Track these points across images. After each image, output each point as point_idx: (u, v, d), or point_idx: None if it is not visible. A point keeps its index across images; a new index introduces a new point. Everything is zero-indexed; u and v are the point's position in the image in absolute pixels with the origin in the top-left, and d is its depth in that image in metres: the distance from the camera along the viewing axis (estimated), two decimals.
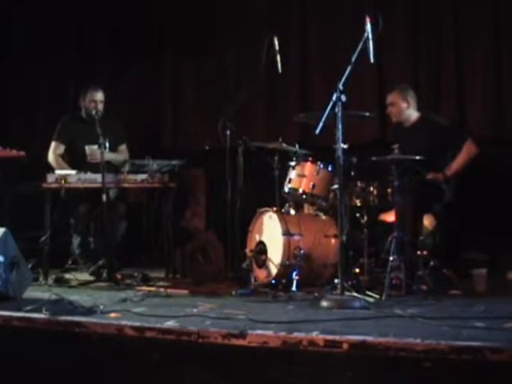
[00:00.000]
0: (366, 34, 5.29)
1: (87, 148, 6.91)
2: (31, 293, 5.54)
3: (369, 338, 3.72)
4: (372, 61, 5.31)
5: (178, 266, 7.04)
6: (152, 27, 8.51)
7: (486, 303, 5.02)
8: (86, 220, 7.03)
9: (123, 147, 7.37)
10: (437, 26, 7.37)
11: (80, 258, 7.03)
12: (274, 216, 6.18)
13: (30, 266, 5.97)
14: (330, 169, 6.17)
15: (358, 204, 5.98)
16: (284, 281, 5.95)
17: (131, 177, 6.71)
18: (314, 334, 3.85)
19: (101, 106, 7.12)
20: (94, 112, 6.82)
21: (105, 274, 6.47)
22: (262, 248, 6.22)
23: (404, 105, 6.49)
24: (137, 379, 4.14)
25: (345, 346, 3.70)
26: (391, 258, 5.51)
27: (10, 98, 8.81)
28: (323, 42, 7.87)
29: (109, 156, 6.88)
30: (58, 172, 6.70)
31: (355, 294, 5.14)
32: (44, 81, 8.87)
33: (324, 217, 6.38)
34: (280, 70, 6.51)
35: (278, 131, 7.21)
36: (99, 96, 7.16)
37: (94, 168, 6.61)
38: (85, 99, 7.17)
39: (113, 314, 4.65)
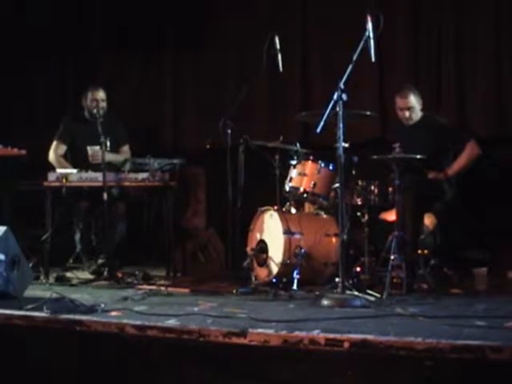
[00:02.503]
0: (366, 33, 5.29)
1: (89, 149, 6.90)
2: (32, 291, 5.54)
3: (370, 337, 3.72)
4: (373, 60, 5.32)
5: (179, 264, 7.06)
6: (152, 26, 8.50)
7: (486, 302, 5.04)
8: (87, 219, 7.03)
9: (126, 148, 7.39)
10: (437, 26, 7.36)
11: (82, 252, 7.03)
12: (275, 215, 6.19)
13: (30, 264, 5.98)
14: (330, 168, 6.18)
15: (359, 203, 6.00)
16: (285, 279, 5.95)
17: (132, 176, 6.71)
18: (315, 333, 3.85)
19: (103, 105, 7.14)
20: (95, 111, 6.84)
21: (106, 273, 6.49)
22: (262, 247, 6.23)
23: (419, 107, 6.47)
24: (138, 378, 4.14)
25: (346, 344, 3.70)
26: (392, 257, 5.51)
27: (10, 98, 8.80)
28: (324, 40, 7.87)
29: (110, 157, 6.91)
30: (59, 171, 6.71)
31: (356, 293, 5.13)
32: (44, 80, 8.87)
33: (325, 216, 6.39)
34: (281, 69, 6.51)
35: (279, 130, 7.22)
36: (100, 94, 7.18)
37: (96, 168, 6.61)
38: (86, 99, 7.20)
39: (114, 313, 4.66)
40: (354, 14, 7.23)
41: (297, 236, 6.06)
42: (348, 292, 5.10)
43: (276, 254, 6.06)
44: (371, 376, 3.64)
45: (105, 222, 6.55)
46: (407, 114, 6.46)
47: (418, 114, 6.48)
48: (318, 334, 3.82)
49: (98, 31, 8.80)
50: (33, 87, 8.94)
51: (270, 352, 3.87)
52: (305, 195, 6.27)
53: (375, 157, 5.87)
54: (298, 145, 6.43)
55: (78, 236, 7.07)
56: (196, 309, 4.85)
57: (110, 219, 6.60)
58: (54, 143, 7.24)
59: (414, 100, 6.45)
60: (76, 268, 6.92)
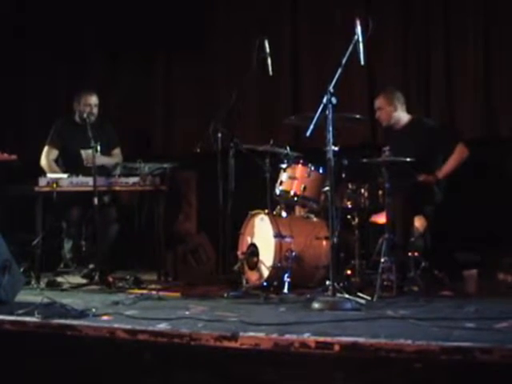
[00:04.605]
0: (356, 37, 5.31)
1: (83, 152, 6.88)
2: (23, 296, 5.53)
3: (360, 340, 3.73)
4: (362, 63, 5.33)
5: (170, 268, 7.06)
6: (144, 30, 8.49)
7: (476, 304, 5.05)
8: (79, 223, 7.03)
9: (117, 151, 7.37)
10: (426, 28, 7.40)
11: (71, 262, 7.03)
12: (266, 218, 6.20)
13: (21, 269, 5.97)
14: (321, 171, 6.19)
15: (349, 206, 6.00)
16: (276, 283, 5.96)
17: (123, 180, 6.71)
18: (306, 336, 3.86)
19: (95, 110, 7.14)
20: (85, 115, 6.84)
21: (97, 277, 6.47)
22: (253, 250, 6.23)
23: (391, 108, 6.49)
24: (129, 382, 4.14)
25: (336, 347, 3.71)
26: (382, 260, 5.54)
27: (1, 101, 8.79)
28: (314, 44, 7.89)
29: (103, 160, 6.93)
30: (50, 175, 6.71)
31: (347, 296, 5.14)
32: (36, 83, 8.87)
33: (315, 219, 6.40)
34: (271, 73, 6.52)
35: (269, 134, 7.23)
36: (94, 100, 7.16)
37: (90, 171, 6.59)
38: (79, 103, 7.16)
39: (105, 317, 4.66)
40: (344, 17, 7.28)
41: (287, 239, 6.07)
42: (339, 295, 5.11)
43: (267, 257, 6.07)
44: (361, 378, 3.65)
45: (96, 226, 6.56)
46: (377, 113, 6.56)
47: (392, 116, 6.49)
48: (308, 337, 3.83)
49: (90, 34, 8.79)
50: (24, 90, 8.94)
51: (260, 355, 3.88)
52: (295, 198, 6.28)
53: (365, 160, 5.89)
54: (288, 148, 6.44)
55: (68, 245, 7.06)
56: (187, 313, 4.85)
57: (102, 224, 6.61)
58: (46, 148, 7.21)
59: (383, 101, 6.51)
60: (67, 273, 6.91)
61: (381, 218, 5.98)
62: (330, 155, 5.15)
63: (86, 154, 6.86)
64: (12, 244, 5.69)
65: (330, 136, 5.13)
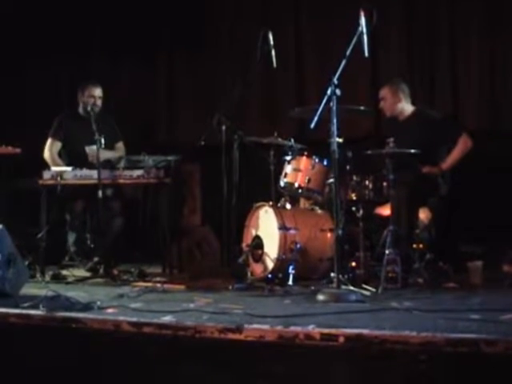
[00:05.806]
0: (360, 28, 5.30)
1: (87, 148, 6.85)
2: (28, 289, 5.54)
3: (365, 331, 3.73)
4: (366, 55, 5.32)
5: (175, 261, 7.06)
6: (147, 23, 8.49)
7: (481, 296, 5.07)
8: (82, 216, 7.03)
9: (120, 144, 7.35)
10: (431, 21, 7.40)
11: (76, 255, 7.04)
12: (270, 210, 6.19)
13: (26, 262, 5.97)
14: (325, 163, 6.18)
15: (354, 198, 6.00)
16: (280, 275, 5.96)
17: (127, 173, 6.70)
18: (311, 328, 3.85)
19: (99, 102, 7.12)
20: (89, 108, 6.83)
21: (101, 270, 6.49)
22: (258, 242, 6.23)
23: (394, 99, 6.48)
24: (134, 374, 4.14)
25: (341, 339, 3.71)
26: (387, 252, 5.53)
27: (4, 95, 8.79)
28: (318, 36, 7.89)
29: (108, 154, 6.93)
30: (54, 169, 6.70)
31: (351, 288, 5.15)
32: (39, 77, 8.87)
33: (320, 211, 6.40)
34: (275, 65, 6.51)
35: (274, 126, 7.23)
36: (98, 92, 7.15)
37: (94, 167, 6.59)
38: (83, 94, 7.14)
39: (110, 310, 4.66)
40: (348, 8, 7.25)
41: (292, 231, 6.06)
42: (343, 287, 5.12)
43: (271, 249, 6.07)
44: (366, 370, 3.65)
45: (100, 219, 6.56)
46: (381, 103, 6.58)
47: (396, 107, 6.48)
48: (313, 329, 3.83)
49: (93, 28, 8.79)
50: (27, 84, 8.94)
51: (265, 347, 3.88)
52: (299, 191, 6.28)
53: (369, 152, 5.88)
54: (292, 140, 6.43)
55: (72, 238, 7.05)
56: (192, 305, 4.85)
57: (105, 217, 6.61)
58: (49, 141, 7.20)
59: (388, 92, 6.50)
60: (72, 266, 6.92)
61: (385, 210, 5.98)
62: (334, 147, 5.14)
63: (90, 150, 6.83)
64: (16, 237, 5.69)
65: (334, 128, 5.13)
